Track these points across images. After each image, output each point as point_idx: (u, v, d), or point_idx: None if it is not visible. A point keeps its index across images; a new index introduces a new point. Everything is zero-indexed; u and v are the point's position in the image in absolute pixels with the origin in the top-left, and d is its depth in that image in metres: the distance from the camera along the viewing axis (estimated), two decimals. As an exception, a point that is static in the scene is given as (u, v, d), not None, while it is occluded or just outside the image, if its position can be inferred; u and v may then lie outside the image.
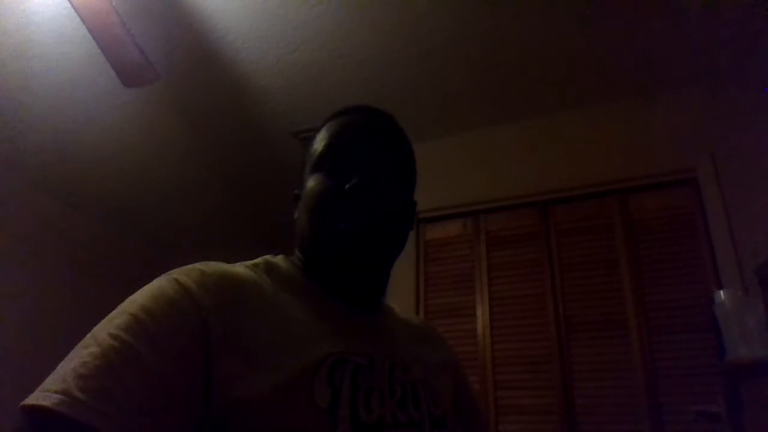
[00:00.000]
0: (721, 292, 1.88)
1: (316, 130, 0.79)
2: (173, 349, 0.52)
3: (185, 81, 2.55)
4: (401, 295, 2.58)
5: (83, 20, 1.84)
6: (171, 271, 0.61)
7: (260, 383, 0.54)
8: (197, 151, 3.12)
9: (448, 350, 0.88)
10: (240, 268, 0.66)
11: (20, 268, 3.21)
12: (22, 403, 0.48)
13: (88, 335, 0.53)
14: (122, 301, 0.57)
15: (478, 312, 2.51)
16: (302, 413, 0.54)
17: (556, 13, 2.13)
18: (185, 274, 0.60)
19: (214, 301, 0.57)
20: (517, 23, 2.18)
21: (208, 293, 0.58)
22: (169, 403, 0.50)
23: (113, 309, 0.56)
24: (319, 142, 0.75)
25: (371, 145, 0.73)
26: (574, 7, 2.09)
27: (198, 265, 0.62)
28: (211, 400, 0.53)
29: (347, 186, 0.68)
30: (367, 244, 0.69)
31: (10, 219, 3.20)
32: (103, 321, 0.54)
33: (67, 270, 3.48)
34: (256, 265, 0.70)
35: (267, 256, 0.74)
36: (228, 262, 0.67)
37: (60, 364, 0.50)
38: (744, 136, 2.27)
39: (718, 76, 2.38)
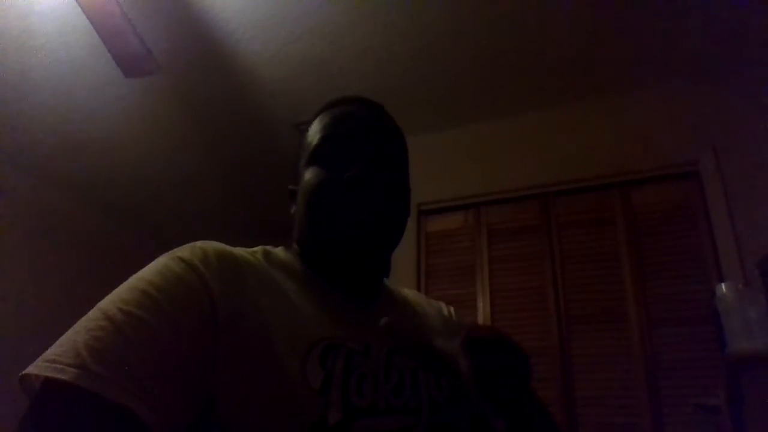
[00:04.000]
0: (723, 285, 1.88)
1: (308, 123, 0.79)
2: (186, 324, 0.52)
3: (186, 71, 2.54)
4: (402, 287, 2.58)
5: (84, 10, 1.83)
6: (172, 251, 0.61)
7: (253, 363, 0.55)
8: (199, 141, 3.12)
9: (457, 326, 0.85)
10: (238, 250, 0.67)
11: (21, 259, 3.21)
12: (25, 372, 0.47)
13: (94, 310, 0.52)
14: None
15: (479, 304, 2.51)
16: (294, 394, 0.55)
17: (557, 6, 2.11)
18: (188, 252, 0.60)
19: (218, 279, 0.58)
20: (519, 16, 2.17)
21: (212, 271, 0.58)
22: (185, 377, 0.50)
23: None
24: (313, 135, 0.75)
25: (366, 135, 0.73)
26: (575, 0, 2.08)
27: (198, 244, 0.62)
28: (217, 377, 0.53)
29: (346, 176, 0.68)
30: (368, 234, 0.68)
31: (11, 209, 3.20)
32: (108, 297, 0.54)
33: (67, 260, 3.48)
34: (254, 252, 0.70)
35: (266, 246, 0.74)
36: None
37: (63, 337, 0.49)
38: (746, 128, 2.26)
39: (719, 69, 2.36)
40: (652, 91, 2.51)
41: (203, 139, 3.09)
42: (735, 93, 2.33)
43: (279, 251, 0.74)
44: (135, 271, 0.58)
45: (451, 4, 2.12)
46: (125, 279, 0.57)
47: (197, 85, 2.64)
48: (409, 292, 0.90)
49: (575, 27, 2.22)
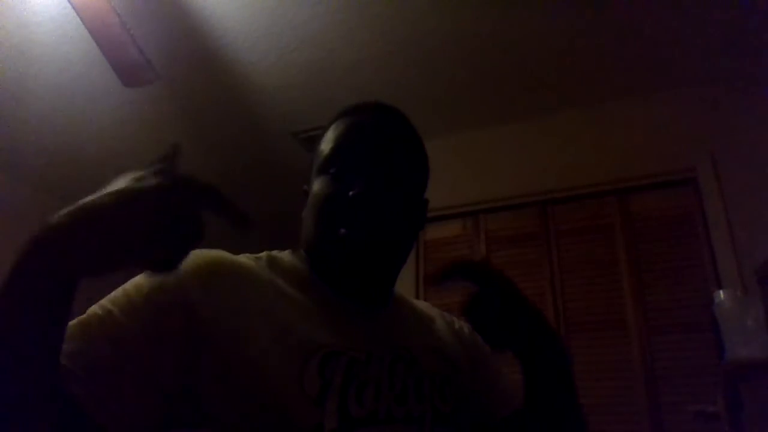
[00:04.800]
0: (721, 292, 1.88)
1: (324, 129, 0.78)
2: (153, 322, 0.55)
3: (185, 81, 2.55)
4: (404, 295, 2.57)
5: (83, 20, 1.84)
6: None
7: (248, 370, 0.55)
8: (196, 150, 3.12)
9: (469, 340, 0.84)
10: (240, 257, 0.67)
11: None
12: None
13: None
14: None
15: (478, 312, 2.50)
16: (289, 402, 0.55)
17: (555, 13, 2.12)
18: None
19: (205, 286, 0.59)
20: (517, 23, 2.18)
21: (200, 278, 0.59)
22: (141, 369, 0.53)
23: None
24: (326, 144, 0.74)
25: (377, 149, 0.72)
26: (574, 7, 2.09)
27: (194, 252, 0.63)
28: (200, 383, 0.55)
29: (351, 193, 0.67)
30: (367, 252, 0.68)
31: (9, 219, 3.20)
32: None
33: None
34: (258, 258, 0.70)
35: (272, 251, 0.74)
36: None
37: None
38: (744, 135, 2.27)
39: (718, 76, 2.37)
40: (650, 99, 2.52)
41: (201, 147, 3.10)
42: (733, 100, 2.34)
43: (285, 256, 0.74)
44: (131, 279, 0.60)
45: (448, 13, 2.13)
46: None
47: (196, 95, 2.65)
48: (422, 304, 0.89)
49: (574, 36, 2.23)
